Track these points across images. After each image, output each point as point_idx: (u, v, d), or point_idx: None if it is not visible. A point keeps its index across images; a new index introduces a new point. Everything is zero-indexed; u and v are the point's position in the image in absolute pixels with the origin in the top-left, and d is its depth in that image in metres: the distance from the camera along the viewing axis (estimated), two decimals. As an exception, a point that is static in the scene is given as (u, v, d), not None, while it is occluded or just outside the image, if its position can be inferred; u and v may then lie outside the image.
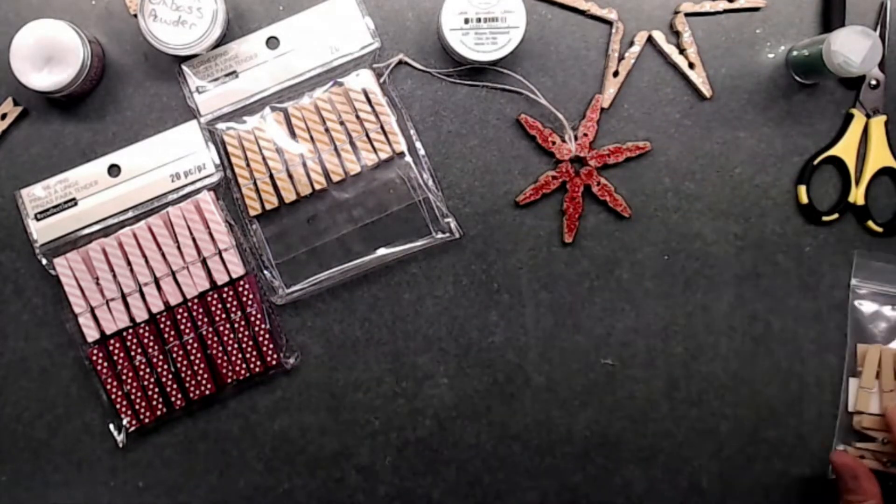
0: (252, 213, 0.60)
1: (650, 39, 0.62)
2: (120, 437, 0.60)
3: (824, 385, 0.62)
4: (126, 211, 0.60)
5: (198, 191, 0.60)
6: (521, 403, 0.62)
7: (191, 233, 0.60)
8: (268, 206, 0.60)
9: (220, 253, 0.60)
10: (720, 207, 0.62)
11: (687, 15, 0.62)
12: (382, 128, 0.60)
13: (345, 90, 0.60)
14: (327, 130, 0.60)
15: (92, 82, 0.60)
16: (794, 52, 0.61)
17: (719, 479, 0.62)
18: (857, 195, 0.62)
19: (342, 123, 0.60)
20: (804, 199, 0.62)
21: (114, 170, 0.60)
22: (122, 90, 0.61)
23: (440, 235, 0.61)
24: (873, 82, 0.62)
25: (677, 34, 0.62)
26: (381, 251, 0.61)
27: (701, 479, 0.62)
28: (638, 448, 0.62)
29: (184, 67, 0.61)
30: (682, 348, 0.62)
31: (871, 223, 0.62)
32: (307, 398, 0.62)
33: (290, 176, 0.60)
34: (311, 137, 0.60)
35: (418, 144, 0.61)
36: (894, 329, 0.62)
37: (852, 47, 0.56)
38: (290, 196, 0.60)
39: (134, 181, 0.60)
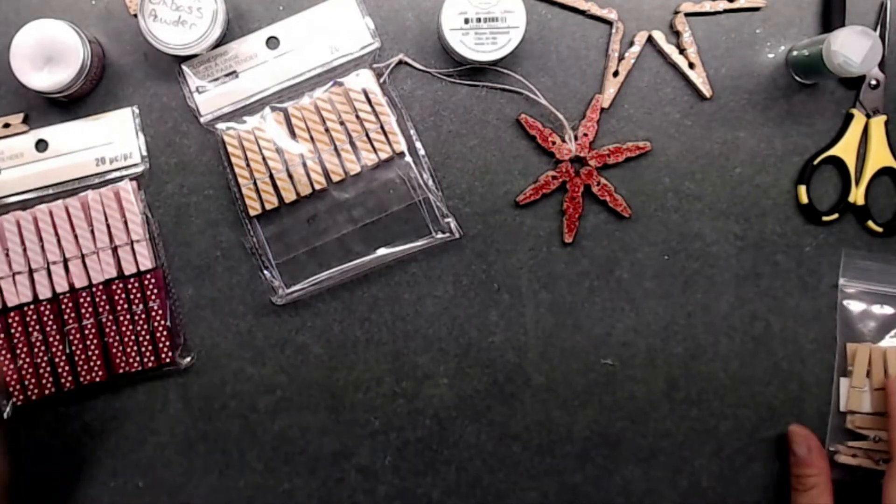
0: (252, 213, 0.60)
1: (650, 39, 0.62)
2: (7, 411, 0.60)
3: (824, 385, 0.62)
4: (47, 188, 0.61)
5: (121, 178, 0.61)
6: (521, 403, 0.62)
7: (106, 219, 0.60)
8: (268, 206, 0.60)
9: (132, 244, 0.60)
10: (720, 207, 0.62)
11: (687, 15, 0.62)
12: (382, 128, 0.60)
13: (345, 90, 0.60)
14: (327, 130, 0.60)
15: (92, 82, 0.60)
16: (794, 52, 0.61)
17: (719, 479, 0.62)
18: (857, 195, 0.62)
19: (342, 123, 0.60)
20: (804, 199, 0.62)
21: (41, 145, 0.60)
22: (122, 90, 0.61)
23: (440, 235, 0.61)
24: (873, 82, 0.62)
25: (677, 34, 0.62)
26: (381, 251, 0.61)
27: (701, 479, 0.62)
28: (638, 448, 0.62)
29: (184, 67, 0.61)
30: (682, 348, 0.62)
31: (871, 223, 0.62)
32: (307, 398, 0.62)
33: (290, 176, 0.60)
34: (311, 137, 0.60)
35: (418, 144, 0.61)
36: (883, 327, 0.62)
37: (852, 47, 0.56)
38: (290, 196, 0.60)
39: (59, 159, 0.60)
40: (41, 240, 0.60)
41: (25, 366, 0.59)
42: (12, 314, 0.60)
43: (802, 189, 0.62)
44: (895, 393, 0.58)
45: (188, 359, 0.61)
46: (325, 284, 0.61)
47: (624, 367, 0.62)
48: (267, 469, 0.62)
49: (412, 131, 0.61)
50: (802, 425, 0.61)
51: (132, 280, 0.60)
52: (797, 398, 0.62)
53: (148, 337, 0.60)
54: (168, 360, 0.60)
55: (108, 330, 0.60)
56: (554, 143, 0.61)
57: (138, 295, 0.60)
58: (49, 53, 0.57)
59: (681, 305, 0.62)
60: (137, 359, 0.60)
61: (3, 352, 0.59)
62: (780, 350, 0.62)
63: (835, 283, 0.62)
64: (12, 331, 0.60)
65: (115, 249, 0.60)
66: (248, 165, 0.60)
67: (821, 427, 0.62)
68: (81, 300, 0.60)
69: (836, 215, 0.62)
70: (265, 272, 0.61)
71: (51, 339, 0.60)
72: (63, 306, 0.60)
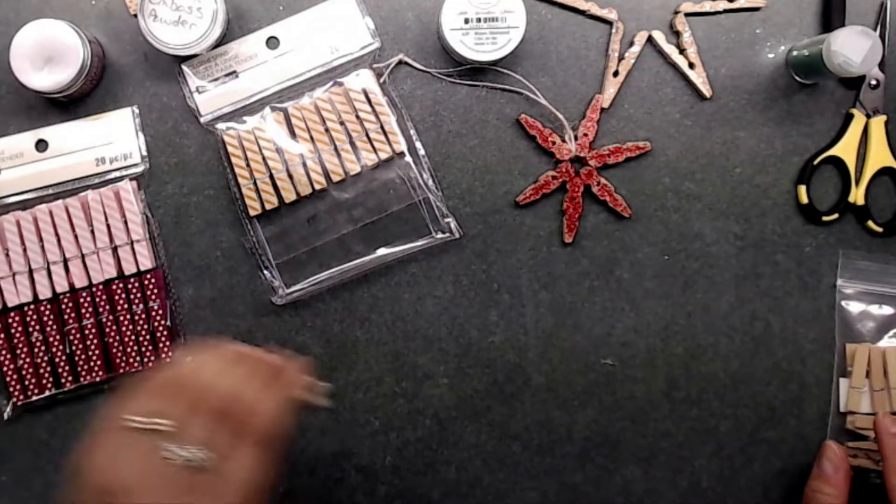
0: (252, 213, 0.60)
1: (650, 39, 0.62)
2: (7, 411, 0.60)
3: (824, 385, 0.62)
4: (47, 188, 0.61)
5: (121, 178, 0.61)
6: (521, 403, 0.62)
7: (106, 219, 0.60)
8: (268, 206, 0.60)
9: (132, 243, 0.60)
10: (720, 207, 0.62)
11: (687, 15, 0.62)
12: (382, 128, 0.60)
13: (345, 90, 0.60)
14: (327, 130, 0.60)
15: (92, 82, 0.60)
16: (794, 52, 0.61)
17: (719, 479, 0.62)
18: (857, 195, 0.62)
19: (342, 123, 0.60)
20: (804, 199, 0.62)
21: (41, 145, 0.61)
22: (122, 90, 0.61)
23: (440, 235, 0.61)
24: (873, 82, 0.62)
25: (677, 34, 0.62)
26: (381, 251, 0.61)
27: (701, 479, 0.62)
28: (638, 448, 0.62)
29: (184, 67, 0.61)
30: (682, 348, 0.62)
31: (871, 223, 0.62)
32: (307, 398, 0.62)
33: (290, 176, 0.60)
34: (311, 137, 0.60)
35: (418, 144, 0.61)
36: (882, 327, 0.62)
37: (852, 47, 0.56)
38: (290, 196, 0.60)
39: (59, 159, 0.61)
40: (41, 240, 0.60)
41: (25, 366, 0.60)
42: (12, 314, 0.60)
43: (802, 189, 0.62)
44: (884, 434, 0.57)
45: (188, 359, 0.61)
46: (325, 284, 0.61)
47: (624, 367, 0.62)
48: (267, 469, 0.62)
49: (412, 131, 0.61)
50: (840, 445, 0.60)
51: (132, 280, 0.60)
52: (797, 398, 0.62)
53: (148, 337, 0.60)
54: (168, 360, 0.60)
55: (108, 330, 0.60)
56: (554, 143, 0.61)
57: (138, 295, 0.60)
58: (49, 53, 0.57)
59: (681, 305, 0.62)
60: (137, 359, 0.60)
61: (4, 352, 0.59)
62: (780, 350, 0.62)
63: (834, 283, 0.62)
64: (12, 331, 0.60)
65: (115, 249, 0.60)
66: (248, 165, 0.60)
67: (821, 427, 0.62)
68: (81, 300, 0.60)
69: (836, 215, 0.62)
70: (265, 272, 0.61)
71: (51, 339, 0.60)
72: (63, 306, 0.60)
